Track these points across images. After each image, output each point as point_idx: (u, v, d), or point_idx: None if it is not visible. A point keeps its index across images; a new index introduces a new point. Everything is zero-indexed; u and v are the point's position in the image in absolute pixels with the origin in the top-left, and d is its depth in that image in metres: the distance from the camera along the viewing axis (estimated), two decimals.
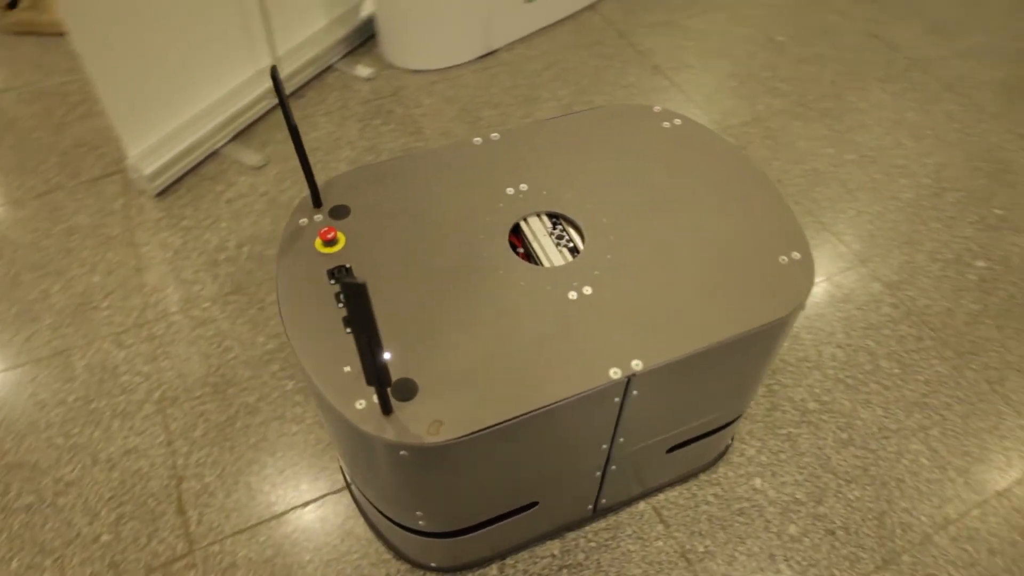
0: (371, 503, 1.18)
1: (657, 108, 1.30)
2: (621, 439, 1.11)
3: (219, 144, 2.02)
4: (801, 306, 1.01)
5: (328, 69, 2.28)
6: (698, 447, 1.28)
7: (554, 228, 1.11)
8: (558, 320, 0.97)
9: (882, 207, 1.91)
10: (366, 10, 2.34)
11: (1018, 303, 1.71)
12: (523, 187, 1.16)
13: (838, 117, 2.15)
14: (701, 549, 1.30)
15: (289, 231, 1.07)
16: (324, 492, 1.37)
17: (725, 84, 2.26)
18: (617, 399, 0.98)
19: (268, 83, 2.07)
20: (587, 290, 1.01)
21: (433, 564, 1.28)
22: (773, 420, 1.48)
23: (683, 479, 1.39)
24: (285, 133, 2.07)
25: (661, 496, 1.37)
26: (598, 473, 1.19)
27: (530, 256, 1.08)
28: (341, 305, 0.97)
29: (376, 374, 0.80)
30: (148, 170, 1.85)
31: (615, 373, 0.92)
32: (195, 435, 1.44)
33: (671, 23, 2.49)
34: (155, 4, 1.72)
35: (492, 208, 1.12)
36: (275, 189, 1.92)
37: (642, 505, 1.35)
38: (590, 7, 2.55)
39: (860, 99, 2.22)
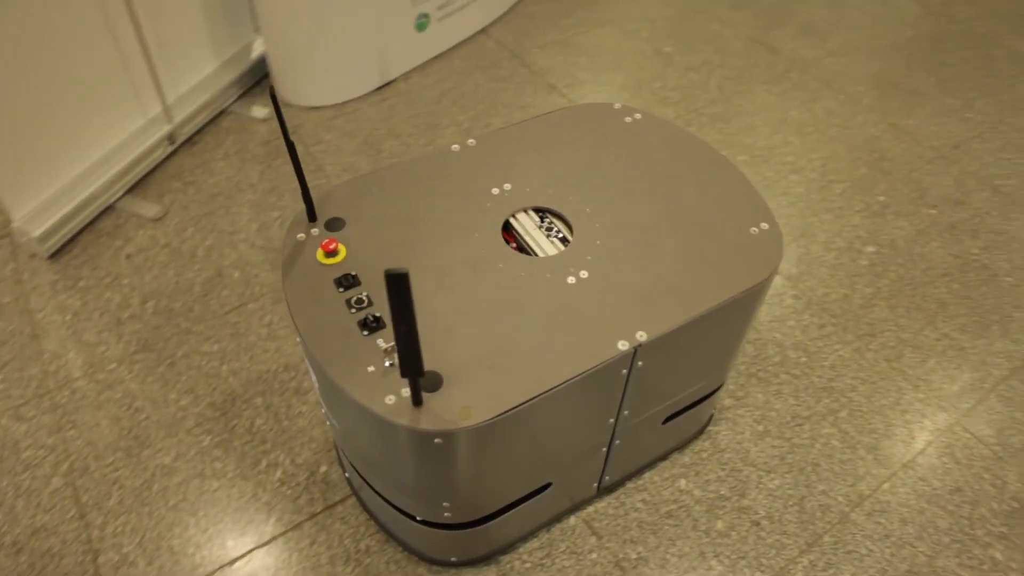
0: (391, 504, 1.20)
1: (617, 105, 1.40)
2: (626, 412, 1.18)
3: (113, 198, 1.96)
4: (776, 270, 1.11)
5: (223, 113, 2.24)
6: (687, 417, 1.37)
7: (542, 221, 1.19)
8: (562, 303, 1.05)
9: (775, 203, 2.00)
10: (257, 50, 2.31)
11: (906, 283, 1.81)
12: (507, 187, 1.23)
13: (728, 121, 2.25)
14: (634, 556, 1.33)
15: (288, 247, 1.11)
16: (251, 547, 1.33)
17: (618, 96, 2.32)
18: (624, 371, 1.06)
19: (161, 131, 2.02)
20: (583, 274, 1.09)
21: (453, 559, 1.31)
22: None
23: (615, 488, 1.42)
24: (182, 182, 2.02)
25: (591, 508, 1.39)
26: (604, 449, 1.26)
27: (523, 249, 1.15)
28: (354, 310, 1.02)
29: (413, 365, 0.84)
30: (37, 232, 1.77)
31: (623, 345, 1.00)
32: (109, 504, 1.38)
33: (563, 41, 2.55)
34: (29, 56, 1.66)
35: (481, 208, 1.19)
36: (177, 239, 1.87)
37: (573, 519, 1.37)
38: (483, 31, 2.59)
39: (747, 102, 2.32)
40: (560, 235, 1.16)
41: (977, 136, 2.24)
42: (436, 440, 0.94)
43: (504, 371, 0.97)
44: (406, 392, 0.93)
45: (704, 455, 1.47)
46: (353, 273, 1.07)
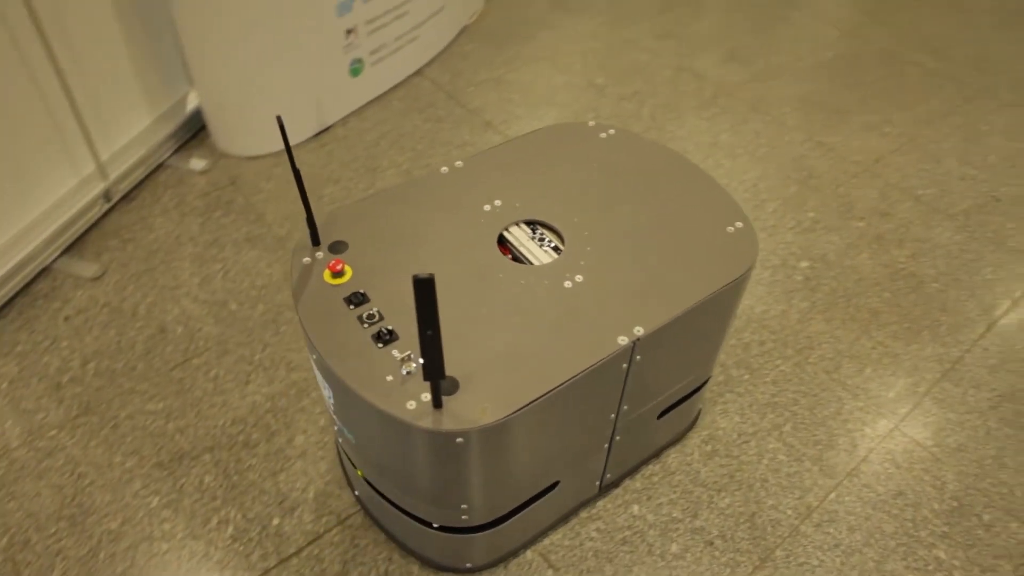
0: (407, 514, 1.25)
1: (591, 123, 1.50)
2: (625, 407, 1.25)
3: (49, 259, 1.93)
4: (753, 264, 1.20)
5: (160, 167, 2.23)
6: (679, 412, 1.45)
7: (534, 233, 1.26)
8: (562, 306, 1.12)
9: None
10: (192, 103, 2.31)
11: (840, 295, 1.87)
12: (497, 203, 1.30)
13: None
14: None
15: (296, 271, 1.17)
16: None
17: None
18: (624, 365, 1.13)
19: (96, 189, 2.00)
20: (579, 278, 1.16)
21: (469, 564, 1.35)
22: None
23: (566, 518, 1.43)
24: (120, 239, 2.00)
25: (546, 541, 1.39)
26: (606, 445, 1.33)
27: (519, 259, 1.22)
28: (367, 325, 1.08)
29: (437, 368, 0.91)
30: None
31: (623, 340, 1.08)
32: None
33: (497, 79, 2.60)
34: None
35: (475, 224, 1.26)
36: (116, 298, 1.85)
37: (529, 554, 1.38)
38: (418, 73, 2.62)
39: (678, 127, 2.39)
40: (552, 244, 1.24)
41: (896, 149, 2.34)
42: (458, 439, 1.00)
43: (515, 372, 1.03)
44: (425, 397, 1.00)
45: (655, 479, 1.49)
46: (362, 291, 1.13)
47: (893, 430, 1.59)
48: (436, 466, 1.08)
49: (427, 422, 0.97)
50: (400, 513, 1.25)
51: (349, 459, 1.35)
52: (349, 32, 2.28)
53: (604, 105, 2.49)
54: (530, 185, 1.33)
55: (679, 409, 1.43)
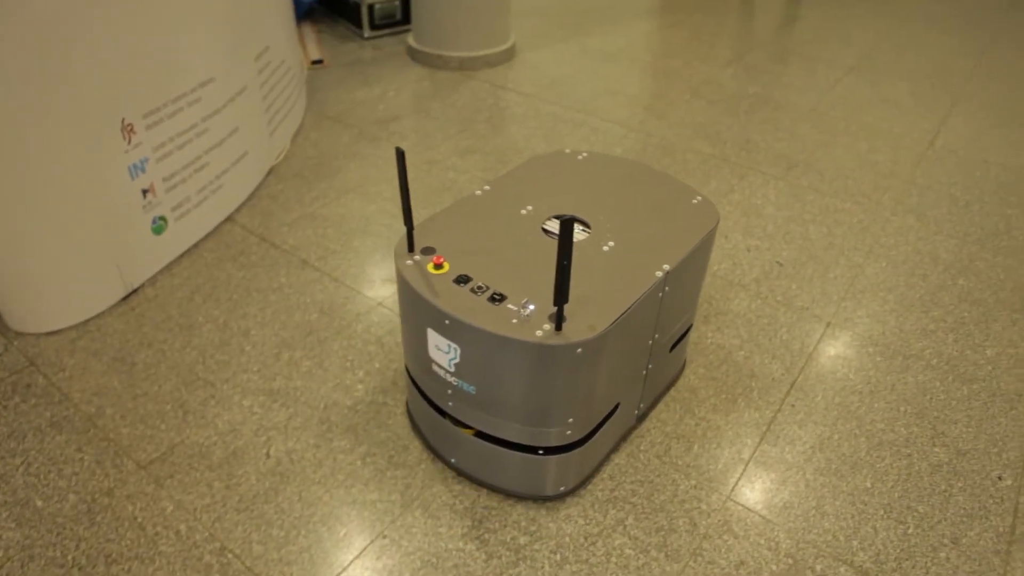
0: (522, 448, 1.56)
1: (568, 150, 1.98)
2: (656, 335, 1.67)
3: None
4: (718, 221, 1.71)
5: None
6: (677, 351, 1.88)
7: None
8: (608, 260, 1.55)
9: None
10: None
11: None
12: (529, 208, 1.71)
13: None
14: None
15: (402, 269, 1.50)
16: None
17: (369, 259, 2.41)
18: (660, 295, 1.55)
19: None
20: (611, 244, 1.60)
21: (562, 488, 1.67)
22: (491, 567, 1.54)
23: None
24: None
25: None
26: (644, 372, 1.72)
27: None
28: (478, 294, 1.43)
29: (565, 293, 1.27)
30: None
31: (659, 273, 1.52)
32: None
33: (309, 215, 2.62)
34: None
35: (520, 222, 1.66)
36: None
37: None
38: (228, 220, 2.60)
39: None
40: (581, 228, 1.65)
41: None
42: (578, 350, 1.36)
43: (597, 304, 1.42)
44: (539, 333, 1.35)
45: None
46: (464, 274, 1.48)
47: (726, 501, 1.68)
48: (557, 378, 1.41)
49: (555, 340, 1.34)
50: (507, 450, 1.58)
51: (454, 423, 1.64)
52: (146, 192, 2.23)
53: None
54: (547, 193, 1.77)
55: (679, 346, 1.87)
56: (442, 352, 1.49)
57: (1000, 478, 1.76)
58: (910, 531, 1.63)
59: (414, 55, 3.97)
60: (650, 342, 1.64)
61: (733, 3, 5.14)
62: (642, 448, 1.80)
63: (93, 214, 2.09)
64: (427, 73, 3.82)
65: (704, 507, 1.67)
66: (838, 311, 2.26)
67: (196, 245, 2.48)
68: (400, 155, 1.35)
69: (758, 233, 2.59)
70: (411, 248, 1.54)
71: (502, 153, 3.04)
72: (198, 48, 2.30)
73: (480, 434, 1.60)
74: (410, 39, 4.03)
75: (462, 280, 1.46)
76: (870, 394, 1.98)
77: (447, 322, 1.41)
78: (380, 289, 2.29)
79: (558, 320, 1.33)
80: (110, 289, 2.23)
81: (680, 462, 1.77)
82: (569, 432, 1.53)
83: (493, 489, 1.69)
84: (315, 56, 3.98)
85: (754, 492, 1.71)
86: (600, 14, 4.81)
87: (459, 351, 1.45)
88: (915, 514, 1.67)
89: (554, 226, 1.64)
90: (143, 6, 2.05)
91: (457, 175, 2.88)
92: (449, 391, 1.56)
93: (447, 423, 1.65)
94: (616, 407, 1.66)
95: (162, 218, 2.31)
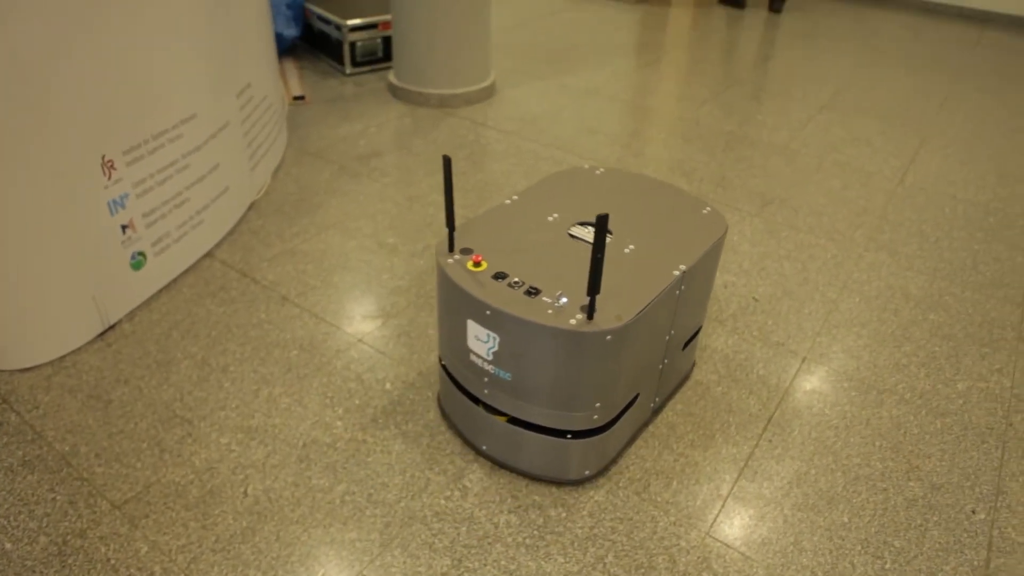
0: (550, 432, 1.72)
1: (586, 165, 2.18)
2: (672, 332, 1.82)
3: None
4: (726, 230, 1.92)
5: None
6: (688, 351, 2.04)
7: (588, 228, 1.83)
8: (630, 260, 1.71)
9: None
10: None
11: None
12: (555, 215, 1.87)
13: None
14: None
15: (444, 266, 1.66)
16: None
17: (349, 295, 2.42)
18: (677, 292, 1.71)
19: None
20: (632, 246, 1.76)
21: (587, 472, 1.81)
22: None
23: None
24: None
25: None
26: (659, 367, 1.87)
27: (585, 241, 1.79)
28: (515, 288, 1.59)
29: (598, 285, 1.43)
30: None
31: (676, 272, 1.69)
32: None
33: (290, 251, 2.63)
34: None
35: (548, 228, 1.82)
36: None
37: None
38: (207, 255, 2.59)
39: None
40: None
41: None
42: (608, 337, 1.52)
43: (624, 297, 1.58)
44: (579, 316, 1.51)
45: None
46: (501, 271, 1.63)
47: (705, 538, 1.69)
48: (587, 364, 1.56)
49: (587, 328, 1.49)
50: (537, 435, 1.72)
51: (487, 411, 1.78)
52: (125, 227, 2.23)
53: (397, 264, 2.58)
54: (570, 203, 1.93)
55: (690, 346, 2.02)
56: (481, 342, 1.64)
57: (974, 512, 1.79)
58: (887, 566, 1.65)
59: (395, 92, 4.02)
60: (667, 337, 1.80)
61: (709, 43, 5.26)
62: (621, 484, 1.80)
63: (71, 250, 2.08)
64: (408, 110, 3.87)
65: (683, 544, 1.67)
66: (813, 346, 2.30)
67: (175, 280, 2.47)
68: (447, 162, 1.52)
69: (734, 269, 2.63)
70: (451, 248, 1.70)
71: (483, 189, 3.07)
72: (180, 85, 2.32)
73: (513, 420, 1.74)
74: (391, 76, 4.08)
75: (500, 276, 1.62)
76: (846, 429, 2.00)
77: (488, 312, 1.57)
78: (360, 325, 2.29)
79: (590, 310, 1.49)
80: (87, 325, 2.21)
81: (659, 498, 1.78)
82: (596, 417, 1.68)
83: (522, 474, 1.83)
84: (297, 92, 4.02)
85: (733, 528, 1.72)
86: (579, 52, 4.91)
87: (498, 340, 1.60)
88: (892, 549, 1.69)
89: (579, 231, 1.81)
90: (125, 44, 2.07)
91: (437, 211, 2.90)
92: (485, 379, 1.71)
93: (480, 411, 1.79)
94: (636, 397, 1.81)
95: (141, 253, 2.31)
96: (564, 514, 1.73)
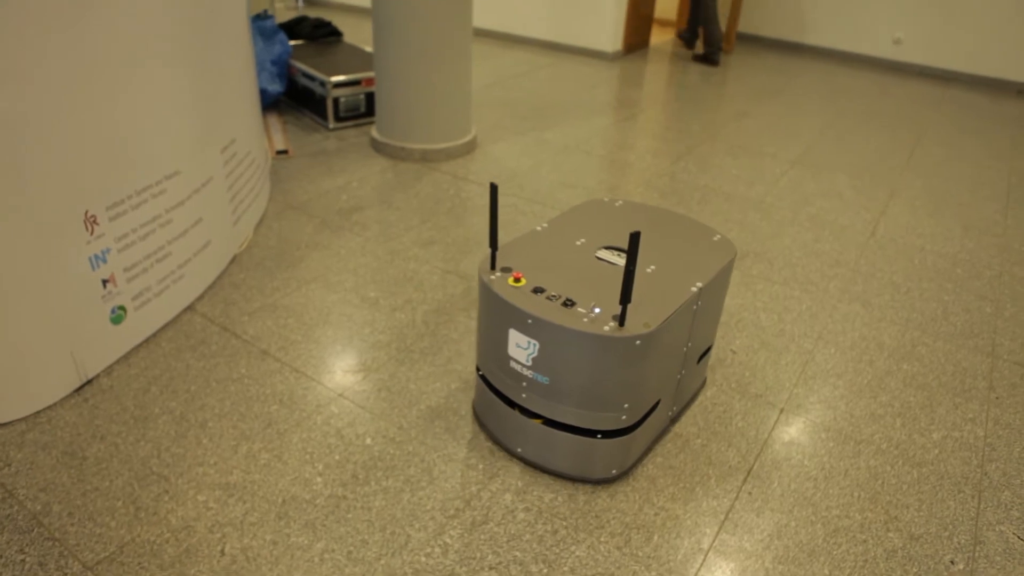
0: (580, 431, 1.89)
1: (606, 198, 2.38)
2: (689, 344, 2.01)
3: None
4: (735, 256, 2.11)
5: None
6: (701, 366, 2.22)
7: (614, 251, 2.04)
8: (652, 279, 1.91)
9: None
10: None
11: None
12: (583, 240, 2.08)
13: (437, 352, 2.42)
14: None
15: (488, 282, 1.86)
16: None
17: (330, 349, 2.42)
18: (694, 307, 1.92)
19: None
20: (652, 267, 1.96)
21: (614, 471, 1.97)
22: None
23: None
24: None
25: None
26: (678, 376, 2.05)
27: (613, 264, 1.98)
28: (552, 300, 1.79)
29: (630, 295, 1.63)
30: None
31: (694, 288, 1.89)
32: None
33: (271, 305, 2.64)
34: None
35: (576, 251, 2.02)
36: None
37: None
38: (188, 309, 2.59)
39: (451, 331, 2.53)
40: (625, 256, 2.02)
41: None
42: (637, 342, 1.70)
43: (650, 309, 1.78)
44: (611, 323, 1.71)
45: None
46: (539, 286, 1.84)
47: None
48: (618, 367, 1.74)
49: (619, 333, 1.69)
50: (570, 435, 1.89)
51: (524, 415, 1.96)
52: (106, 282, 2.23)
53: (379, 318, 2.59)
54: (595, 229, 2.14)
55: (702, 361, 2.22)
56: (522, 349, 1.82)
57: (952, 562, 1.80)
58: None
59: (377, 147, 4.08)
60: (684, 349, 1.99)
61: (684, 99, 5.41)
62: (602, 539, 1.80)
63: (49, 305, 2.08)
64: (390, 164, 3.92)
65: None
66: (791, 397, 2.32)
67: (155, 334, 2.46)
68: (493, 189, 1.74)
69: None
70: (493, 267, 1.91)
71: (463, 244, 3.11)
72: (165, 141, 2.35)
73: (547, 423, 1.92)
74: (373, 131, 4.15)
75: (538, 291, 1.82)
76: (824, 480, 2.02)
77: (530, 321, 1.76)
78: (341, 380, 2.29)
79: (622, 317, 1.68)
80: (64, 380, 2.19)
81: (640, 553, 1.77)
82: (624, 417, 1.85)
83: (554, 474, 1.99)
84: (280, 146, 4.07)
85: None
86: (558, 108, 5.02)
87: (537, 346, 1.78)
88: None
89: (605, 254, 2.02)
90: (108, 101, 2.10)
91: (419, 265, 2.93)
92: (524, 383, 1.89)
93: (516, 414, 1.96)
94: (657, 403, 1.98)
95: (121, 307, 2.31)
96: (546, 570, 1.71)
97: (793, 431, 2.19)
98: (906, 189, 4.00)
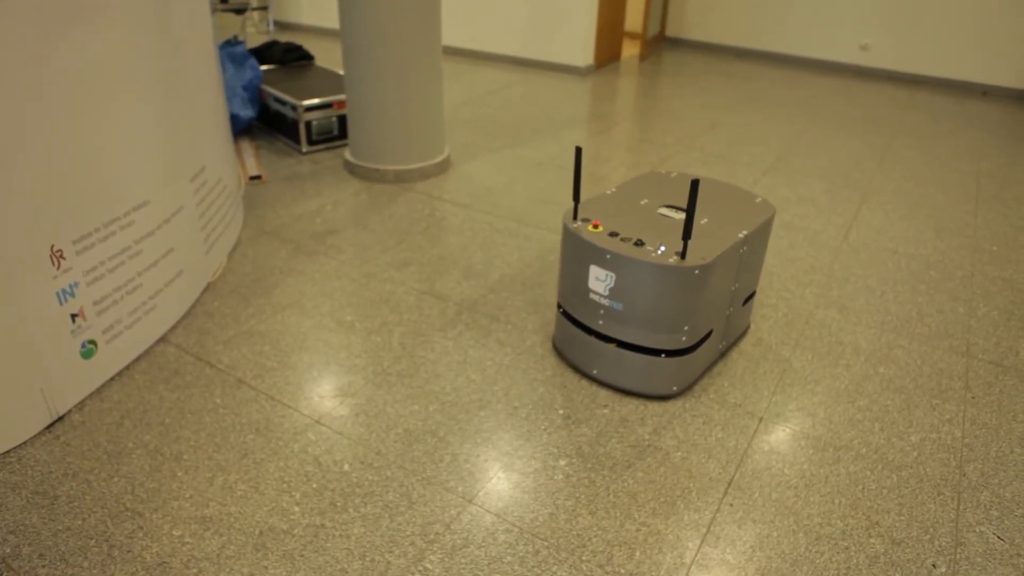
0: (646, 351, 2.27)
1: (663, 171, 2.76)
2: (736, 284, 2.38)
3: None
4: (774, 212, 2.49)
5: None
6: (746, 308, 2.59)
7: (674, 208, 2.42)
8: (705, 228, 2.29)
9: (471, 444, 2.14)
10: None
11: (599, 485, 2.00)
12: (646, 200, 2.47)
13: (413, 375, 2.41)
14: None
15: (572, 229, 2.26)
16: None
17: (306, 376, 2.40)
18: (740, 251, 2.29)
19: None
20: (705, 220, 2.35)
21: (675, 388, 2.34)
22: None
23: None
24: None
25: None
26: (727, 312, 2.41)
27: (670, 217, 2.36)
28: (624, 241, 2.21)
29: (691, 232, 2.04)
30: None
31: (741, 234, 2.27)
32: None
33: (246, 333, 2.61)
34: None
35: (641, 208, 2.41)
36: None
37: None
38: (161, 340, 2.56)
39: (427, 352, 2.52)
40: (682, 210, 2.43)
41: None
42: (696, 271, 2.09)
43: (705, 247, 2.17)
44: (674, 258, 2.10)
45: None
46: (614, 230, 2.24)
47: None
48: (680, 293, 2.12)
49: (681, 264, 2.08)
50: (639, 355, 2.27)
51: (602, 339, 2.33)
52: (75, 316, 2.20)
53: (355, 341, 2.57)
54: (655, 193, 2.53)
55: (747, 305, 2.58)
56: (600, 281, 2.21)
57: (935, 566, 1.80)
58: None
59: (351, 169, 4.07)
60: (732, 288, 2.35)
61: (657, 111, 5.45)
62: (584, 559, 1.78)
63: (16, 342, 2.04)
64: (364, 186, 3.92)
65: None
66: (769, 406, 2.33)
67: (128, 367, 2.43)
68: (578, 152, 2.16)
69: None
70: (575, 217, 2.32)
71: (439, 264, 3.10)
72: (132, 172, 2.33)
73: (620, 345, 2.28)
74: (347, 154, 4.14)
75: (613, 234, 2.22)
76: (805, 488, 2.02)
77: (608, 256, 2.16)
78: (317, 406, 2.27)
79: (684, 251, 2.08)
80: (34, 417, 2.15)
81: (623, 570, 1.76)
82: (684, 339, 2.23)
83: (624, 392, 2.37)
84: (253, 172, 4.05)
85: None
86: (531, 125, 5.04)
87: (614, 278, 2.18)
88: None
89: (665, 211, 2.39)
90: (74, 134, 2.08)
91: (395, 287, 2.92)
92: (601, 311, 2.27)
93: (593, 340, 2.34)
94: (710, 333, 2.33)
95: (92, 341, 2.27)
96: None
97: (773, 440, 2.19)
98: (878, 193, 4.04)
